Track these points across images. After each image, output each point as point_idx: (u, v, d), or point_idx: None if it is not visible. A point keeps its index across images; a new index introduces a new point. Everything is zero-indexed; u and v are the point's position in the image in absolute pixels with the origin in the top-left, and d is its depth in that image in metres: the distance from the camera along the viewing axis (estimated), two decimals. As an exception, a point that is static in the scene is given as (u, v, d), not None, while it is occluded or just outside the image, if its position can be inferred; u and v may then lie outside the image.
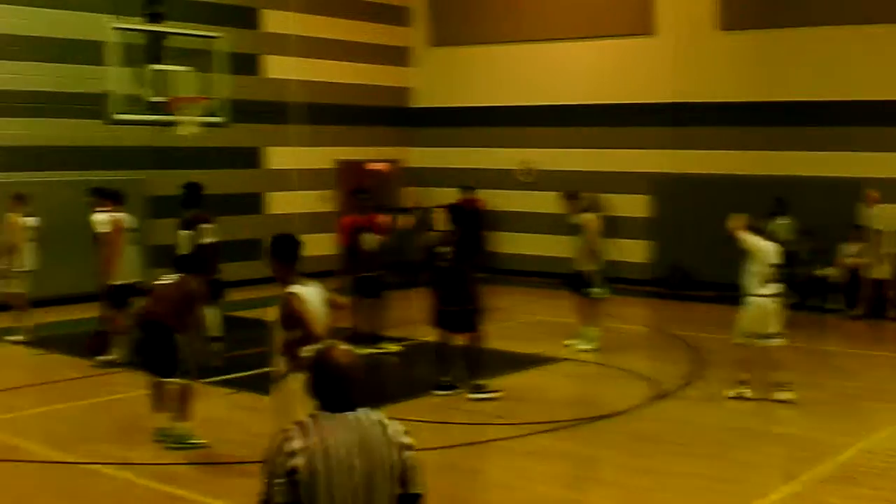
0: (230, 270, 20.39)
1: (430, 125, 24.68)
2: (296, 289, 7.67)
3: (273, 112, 21.77)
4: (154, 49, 17.12)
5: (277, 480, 4.01)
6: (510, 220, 22.80)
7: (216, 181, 20.45)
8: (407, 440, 4.24)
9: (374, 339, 14.71)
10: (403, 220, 17.52)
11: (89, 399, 12.04)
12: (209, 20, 19.50)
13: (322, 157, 22.72)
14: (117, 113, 16.07)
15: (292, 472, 3.98)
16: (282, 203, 22.12)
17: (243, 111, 19.35)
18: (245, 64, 20.74)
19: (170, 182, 19.73)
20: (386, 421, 4.24)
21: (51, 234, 15.99)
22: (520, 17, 23.29)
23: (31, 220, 15.38)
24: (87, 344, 13.58)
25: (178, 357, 9.85)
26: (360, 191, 15.25)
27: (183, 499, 8.65)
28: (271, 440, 4.17)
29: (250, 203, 21.71)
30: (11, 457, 9.54)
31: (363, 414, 4.21)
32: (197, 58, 17.03)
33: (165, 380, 9.93)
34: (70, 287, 17.28)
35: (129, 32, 16.51)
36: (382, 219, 14.90)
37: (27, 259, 15.28)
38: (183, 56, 16.90)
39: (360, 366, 4.27)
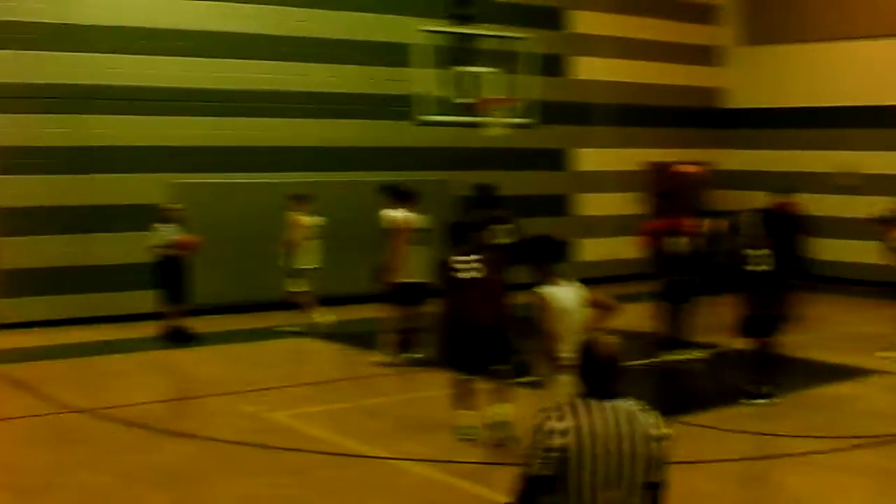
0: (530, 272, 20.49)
1: (742, 126, 23.73)
2: (544, 290, 7.50)
3: (580, 113, 21.50)
4: (461, 51, 17.22)
5: (541, 455, 4.24)
6: (829, 225, 21.48)
7: (521, 183, 20.54)
8: (659, 432, 4.37)
9: (681, 345, 14.14)
10: (714, 224, 16.80)
11: (396, 395, 12.16)
12: (517, 21, 19.46)
13: (629, 158, 22.29)
14: (425, 114, 16.21)
15: (557, 449, 4.21)
16: (588, 205, 21.82)
17: (550, 112, 19.20)
18: (552, 65, 20.59)
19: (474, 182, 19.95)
20: (642, 412, 4.39)
21: (356, 234, 16.33)
22: (840, 14, 22.00)
23: (313, 220, 15.82)
24: (395, 341, 13.67)
25: (496, 354, 9.71)
26: (666, 194, 14.65)
27: (481, 497, 8.50)
28: (536, 420, 4.34)
29: (556, 205, 21.49)
30: (323, 449, 9.70)
31: (621, 403, 4.36)
32: (504, 59, 16.97)
33: (471, 377, 9.80)
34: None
35: (437, 35, 16.65)
36: (689, 222, 14.27)
37: (311, 257, 15.68)
38: (490, 57, 16.89)
39: (621, 358, 4.40)
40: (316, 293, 15.84)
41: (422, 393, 12.24)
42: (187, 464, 9.32)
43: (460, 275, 9.84)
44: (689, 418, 10.73)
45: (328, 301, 16.09)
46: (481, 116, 16.88)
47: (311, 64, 18.31)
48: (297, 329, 15.75)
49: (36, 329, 15.60)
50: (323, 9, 18.47)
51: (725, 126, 23.99)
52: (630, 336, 14.42)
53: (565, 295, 7.60)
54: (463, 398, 9.95)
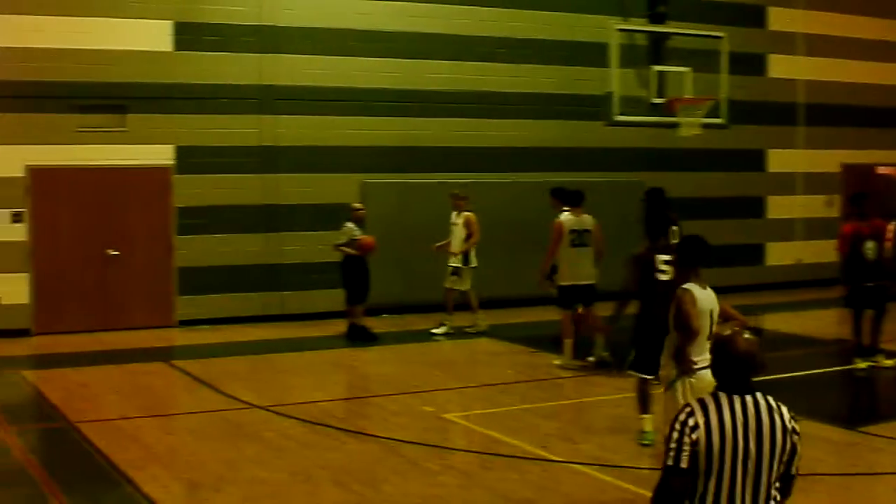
0: (725, 275, 20.17)
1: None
2: (693, 289, 7.52)
3: (777, 113, 21.03)
4: (656, 50, 17.11)
5: (678, 449, 4.44)
6: None
7: (715, 184, 20.24)
8: (792, 425, 4.51)
9: (871, 352, 13.68)
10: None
11: (573, 398, 12.11)
12: (713, 20, 19.09)
13: (827, 160, 21.60)
14: (618, 114, 16.16)
15: (691, 444, 4.41)
16: (783, 207, 21.33)
17: (746, 112, 18.88)
18: (749, 64, 20.14)
19: (667, 184, 19.75)
20: (780, 406, 4.54)
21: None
22: None
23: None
24: (574, 344, 13.60)
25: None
26: (861, 196, 14.14)
27: None
28: (677, 414, 4.57)
29: (751, 207, 21.07)
30: (496, 451, 9.73)
31: (760, 397, 4.52)
32: (699, 58, 16.78)
33: (650, 378, 9.72)
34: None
35: (631, 34, 16.58)
36: (888, 226, 13.76)
37: (472, 257, 15.69)
38: (685, 56, 16.72)
39: (760, 353, 4.54)
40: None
41: (599, 396, 12.00)
42: (361, 462, 9.34)
43: (661, 276, 9.77)
44: (872, 428, 10.42)
45: (510, 302, 16.16)
46: (675, 116, 16.75)
47: (502, 64, 18.29)
48: (474, 329, 15.81)
49: (217, 326, 16.00)
50: (515, 8, 18.41)
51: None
52: (815, 343, 14.24)
53: (705, 297, 7.59)
54: (648, 402, 9.94)
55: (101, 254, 15.87)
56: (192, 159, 16.26)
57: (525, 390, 12.49)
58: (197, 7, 16.33)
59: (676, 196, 19.49)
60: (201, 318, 16.24)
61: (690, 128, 16.72)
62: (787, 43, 21.20)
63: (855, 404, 12.56)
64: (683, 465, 4.43)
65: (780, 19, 21.25)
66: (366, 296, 15.38)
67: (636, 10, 17.80)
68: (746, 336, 4.55)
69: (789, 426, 4.50)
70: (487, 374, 13.42)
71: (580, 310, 13.40)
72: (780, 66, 21.25)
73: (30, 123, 15.40)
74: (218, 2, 16.48)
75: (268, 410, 11.11)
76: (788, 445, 4.49)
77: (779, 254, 20.71)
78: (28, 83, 15.32)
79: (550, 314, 14.99)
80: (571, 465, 9.25)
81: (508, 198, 17.90)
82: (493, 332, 15.77)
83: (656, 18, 17.61)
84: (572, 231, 13.13)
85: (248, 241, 16.22)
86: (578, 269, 13.17)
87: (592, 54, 17.45)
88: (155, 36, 16.05)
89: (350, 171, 17.15)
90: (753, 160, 21.06)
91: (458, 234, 15.60)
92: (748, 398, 4.49)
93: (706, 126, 16.82)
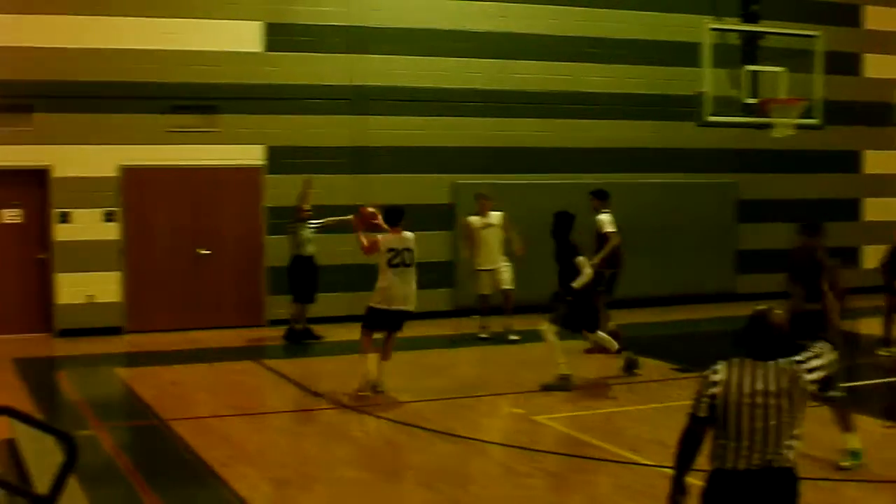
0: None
1: None
2: None
3: (873, 114, 20.56)
4: (749, 49, 16.83)
5: (702, 399, 5.20)
6: None
7: (811, 186, 19.89)
8: (809, 378, 5.15)
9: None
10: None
11: (665, 402, 11.97)
12: (807, 18, 18.75)
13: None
14: (710, 115, 15.94)
15: (710, 396, 5.17)
16: (879, 210, 20.85)
17: (841, 112, 18.50)
18: (845, 63, 19.75)
19: (760, 185, 19.48)
20: (795, 367, 5.15)
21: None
22: None
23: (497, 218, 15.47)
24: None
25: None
26: None
27: None
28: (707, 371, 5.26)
29: (847, 209, 20.63)
30: (586, 454, 9.65)
31: (782, 363, 5.16)
32: (793, 57, 16.46)
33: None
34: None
35: (724, 33, 16.34)
36: None
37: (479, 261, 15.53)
38: (778, 56, 16.42)
39: (786, 328, 5.25)
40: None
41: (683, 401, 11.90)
42: (450, 463, 9.32)
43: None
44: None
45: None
46: (768, 117, 16.46)
47: (592, 64, 18.19)
48: (486, 334, 15.63)
49: (309, 326, 15.71)
50: (605, 8, 18.30)
51: None
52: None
53: None
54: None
55: (193, 253, 16.06)
56: (283, 159, 16.38)
57: (621, 393, 12.27)
58: (287, 8, 16.46)
59: (769, 198, 19.36)
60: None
61: (784, 129, 16.40)
62: (883, 42, 20.73)
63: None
64: (702, 413, 5.19)
65: (876, 18, 20.79)
66: (311, 297, 15.28)
67: (729, 9, 17.52)
68: (778, 313, 5.29)
69: (807, 379, 5.15)
70: (581, 375, 13.21)
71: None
72: (876, 66, 20.80)
73: (122, 124, 15.64)
74: (308, 3, 16.60)
75: (358, 411, 11.11)
76: (802, 387, 5.14)
77: (875, 257, 20.20)
78: (120, 84, 15.57)
79: (627, 316, 14.88)
80: (663, 468, 9.10)
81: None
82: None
83: (749, 17, 17.30)
84: (391, 250, 11.70)
85: (339, 241, 16.27)
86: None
87: (684, 54, 17.22)
88: (245, 37, 16.22)
89: (440, 171, 17.17)
90: (848, 161, 20.63)
91: (496, 235, 15.45)
92: (770, 364, 5.15)
93: (800, 127, 16.49)
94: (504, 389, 12.26)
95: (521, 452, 9.54)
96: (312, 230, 15.20)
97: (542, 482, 8.79)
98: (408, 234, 11.77)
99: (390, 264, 11.54)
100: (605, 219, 14.07)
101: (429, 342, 15.12)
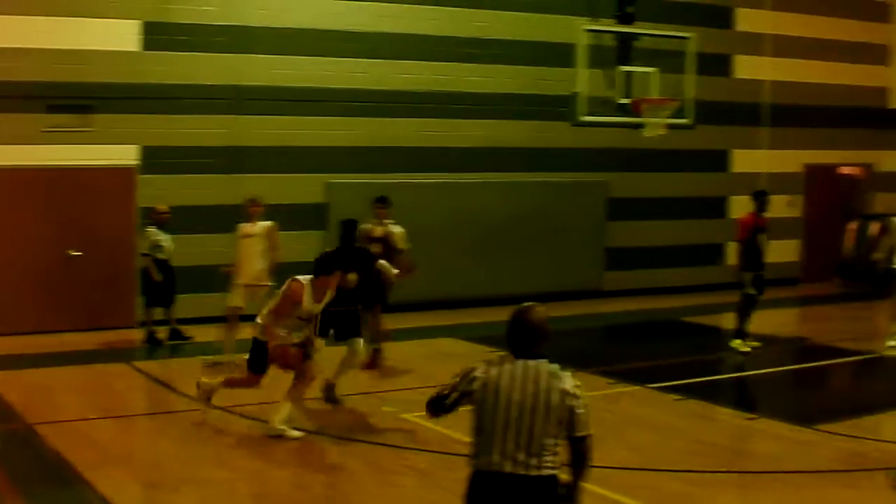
0: (688, 275, 20.33)
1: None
2: None
3: (742, 114, 21.15)
4: (623, 50, 17.16)
5: (456, 391, 5.25)
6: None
7: (680, 184, 20.37)
8: (573, 390, 5.10)
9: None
10: (872, 227, 16.47)
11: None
12: (681, 20, 19.12)
13: (790, 160, 21.67)
14: (584, 115, 16.22)
15: (468, 392, 5.19)
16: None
17: (712, 113, 18.97)
18: (716, 64, 20.24)
19: (631, 184, 19.87)
20: (560, 373, 5.14)
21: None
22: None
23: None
24: None
25: None
26: (763, 192, 15.15)
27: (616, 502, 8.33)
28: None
29: (715, 207, 21.19)
30: (453, 451, 9.74)
31: (542, 364, 5.13)
32: (666, 58, 16.86)
33: None
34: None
35: (599, 34, 16.63)
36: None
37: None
38: (652, 56, 16.79)
39: (547, 325, 5.20)
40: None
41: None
42: (319, 462, 9.52)
43: None
44: (830, 426, 10.57)
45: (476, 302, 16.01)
46: (640, 117, 16.83)
47: (470, 65, 18.24)
48: None
49: (181, 326, 15.45)
50: (484, 9, 18.38)
51: (890, 126, 23.13)
52: (773, 341, 14.50)
53: None
54: None
55: (64, 254, 15.77)
56: (157, 159, 16.15)
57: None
58: (166, 7, 16.19)
59: (642, 196, 19.79)
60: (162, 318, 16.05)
61: (655, 128, 16.80)
62: (753, 43, 21.32)
63: (811, 402, 12.80)
64: (449, 401, 5.27)
65: (747, 20, 21.35)
66: (166, 301, 14.97)
67: (605, 11, 17.83)
68: (538, 309, 5.23)
69: (570, 391, 5.08)
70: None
71: None
72: (746, 67, 21.37)
73: (-6, 123, 15.30)
74: (187, 2, 16.36)
75: (227, 411, 11.03)
76: (566, 407, 5.05)
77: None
78: (-8, 82, 15.23)
79: (495, 314, 14.96)
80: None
81: (477, 198, 17.95)
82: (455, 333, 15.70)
83: (624, 19, 17.63)
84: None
85: (214, 241, 16.11)
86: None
87: (561, 55, 17.49)
88: (123, 36, 15.91)
89: (316, 171, 17.11)
90: (717, 160, 21.17)
91: (257, 246, 13.74)
92: (532, 362, 5.12)
93: (672, 126, 16.89)
94: (374, 388, 12.34)
95: (391, 450, 9.67)
96: (165, 233, 14.79)
97: (412, 480, 8.91)
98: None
99: None
100: (401, 232, 13.51)
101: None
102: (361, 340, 11.68)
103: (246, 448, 9.89)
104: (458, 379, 5.27)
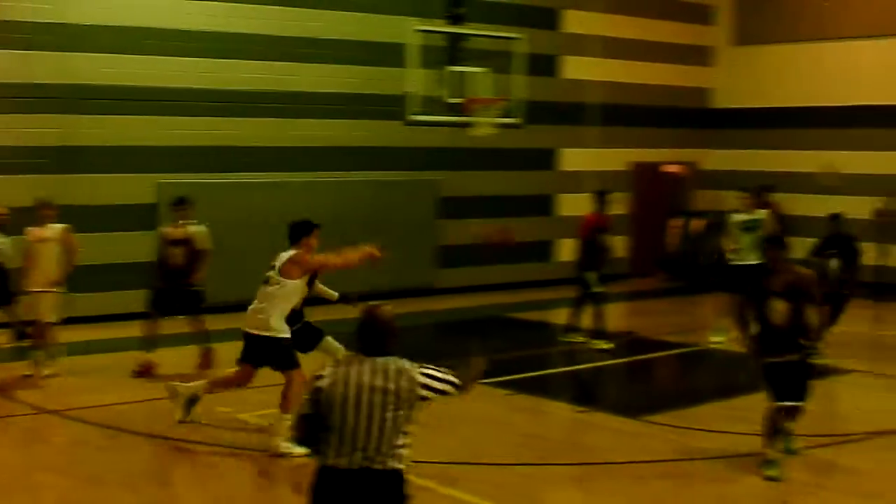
0: (517, 271, 20.81)
1: (728, 127, 23.89)
2: None
3: (569, 113, 21.73)
4: (454, 50, 17.41)
5: (308, 398, 5.32)
6: (807, 224, 21.67)
7: (509, 182, 20.82)
8: (421, 380, 5.28)
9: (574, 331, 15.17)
10: (695, 224, 17.15)
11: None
12: (510, 21, 19.49)
13: (616, 158, 22.35)
14: (415, 114, 16.41)
15: (317, 391, 5.26)
16: (572, 205, 21.99)
17: (540, 112, 19.41)
18: (544, 65, 20.73)
19: (461, 182, 20.21)
20: (408, 366, 5.31)
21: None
22: (827, 14, 22.24)
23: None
24: None
25: None
26: (604, 191, 15.60)
27: (454, 498, 8.54)
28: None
29: (541, 205, 21.75)
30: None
31: (392, 360, 5.29)
32: (495, 59, 17.19)
33: None
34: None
35: (430, 35, 16.83)
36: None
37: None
38: (482, 57, 17.08)
39: (394, 323, 5.39)
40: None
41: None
42: (154, 465, 9.50)
43: None
44: (655, 417, 10.99)
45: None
46: (470, 116, 17.11)
47: (305, 64, 18.28)
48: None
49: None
50: (317, 8, 18.44)
51: (712, 126, 24.12)
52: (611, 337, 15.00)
53: None
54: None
55: None
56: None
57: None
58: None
59: (472, 195, 20.18)
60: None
61: (485, 127, 17.07)
62: (580, 45, 21.90)
63: (640, 394, 13.32)
64: (305, 410, 5.33)
65: (574, 22, 21.92)
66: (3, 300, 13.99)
67: (436, 12, 18.05)
68: (386, 308, 5.44)
69: (418, 380, 5.26)
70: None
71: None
72: (573, 68, 21.94)
73: None
74: (21, -1, 15.99)
75: (60, 415, 10.91)
76: (415, 398, 5.25)
77: (568, 250, 21.34)
78: None
79: (320, 313, 15.04)
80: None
81: (310, 197, 17.94)
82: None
83: (454, 20, 17.85)
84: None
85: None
86: None
87: (392, 54, 17.65)
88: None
89: (147, 171, 16.86)
90: (545, 159, 21.70)
91: (51, 251, 12.91)
92: (381, 359, 5.27)
93: (500, 126, 17.22)
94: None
95: (229, 451, 9.68)
96: (4, 235, 13.89)
97: (251, 481, 8.97)
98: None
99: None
100: (203, 231, 13.28)
101: (129, 344, 14.11)
102: None
103: (80, 453, 9.75)
104: (309, 384, 5.40)
